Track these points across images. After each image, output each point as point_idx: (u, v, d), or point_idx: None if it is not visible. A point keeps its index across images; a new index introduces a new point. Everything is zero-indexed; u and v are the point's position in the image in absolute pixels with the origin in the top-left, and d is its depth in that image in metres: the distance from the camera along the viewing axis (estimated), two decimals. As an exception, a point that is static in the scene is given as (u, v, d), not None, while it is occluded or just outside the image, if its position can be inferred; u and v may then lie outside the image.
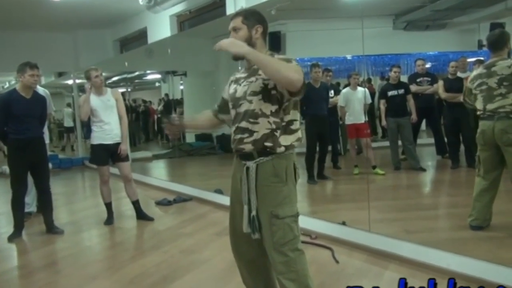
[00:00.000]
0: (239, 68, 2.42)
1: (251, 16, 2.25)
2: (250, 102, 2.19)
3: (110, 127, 4.65)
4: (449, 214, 4.53)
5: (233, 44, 2.06)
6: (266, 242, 2.24)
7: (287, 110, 2.21)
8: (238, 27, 2.22)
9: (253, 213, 2.23)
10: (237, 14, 2.26)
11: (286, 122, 2.20)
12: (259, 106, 2.17)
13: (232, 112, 2.29)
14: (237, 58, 2.14)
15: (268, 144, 2.18)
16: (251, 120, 2.19)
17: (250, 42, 2.20)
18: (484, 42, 7.57)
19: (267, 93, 2.16)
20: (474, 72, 3.71)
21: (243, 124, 2.22)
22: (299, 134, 2.26)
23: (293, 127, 2.23)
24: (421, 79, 6.61)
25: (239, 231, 2.33)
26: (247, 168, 2.23)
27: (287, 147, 2.20)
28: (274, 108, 2.18)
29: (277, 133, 2.18)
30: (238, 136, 2.24)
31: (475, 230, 3.57)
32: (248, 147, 2.22)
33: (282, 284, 2.23)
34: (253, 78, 2.19)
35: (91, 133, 4.68)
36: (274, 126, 2.18)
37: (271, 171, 2.19)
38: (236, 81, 2.32)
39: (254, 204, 2.23)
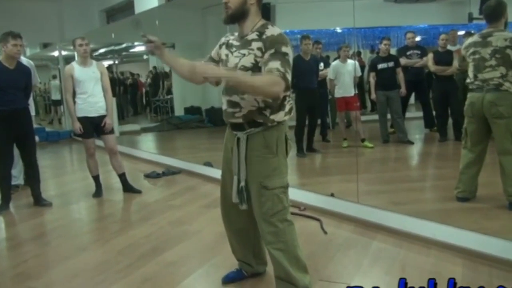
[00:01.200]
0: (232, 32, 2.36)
1: None
2: None
3: (94, 99, 4.58)
4: (436, 186, 4.58)
5: (209, 68, 1.99)
6: (255, 212, 2.26)
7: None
8: None
9: (242, 183, 2.24)
10: None
11: (281, 99, 2.16)
12: None
13: (223, 82, 2.23)
14: (228, 22, 2.18)
15: (258, 120, 2.17)
16: (240, 95, 2.17)
17: (244, 7, 2.15)
18: (475, 15, 7.60)
19: (257, 70, 2.11)
20: (469, 40, 3.65)
21: (234, 97, 2.19)
22: (289, 106, 2.25)
23: (284, 102, 2.21)
24: (410, 52, 6.59)
25: (230, 200, 2.35)
26: (238, 139, 2.22)
27: (279, 122, 2.20)
28: None
29: (266, 112, 2.16)
30: (230, 109, 2.23)
31: (462, 202, 3.62)
32: (239, 120, 2.20)
33: (271, 254, 2.26)
34: (245, 51, 2.14)
35: (75, 105, 4.60)
36: (262, 105, 2.15)
37: (262, 142, 2.19)
38: (228, 47, 2.27)
39: (243, 175, 2.23)
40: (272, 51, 2.05)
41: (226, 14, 2.17)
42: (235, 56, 2.18)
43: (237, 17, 2.17)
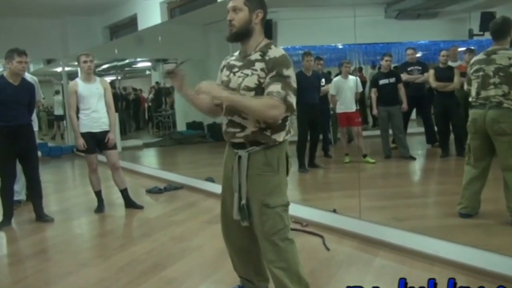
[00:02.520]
0: (232, 53, 2.38)
1: None
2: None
3: (97, 115, 4.61)
4: (438, 202, 4.57)
5: (213, 88, 2.05)
6: (256, 230, 2.25)
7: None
8: (239, 8, 2.13)
9: (243, 201, 2.22)
10: None
11: (281, 120, 2.16)
12: None
13: (224, 102, 2.23)
14: (231, 40, 2.17)
15: (260, 140, 2.18)
16: (243, 115, 2.15)
17: (248, 27, 2.15)
18: (475, 32, 7.64)
19: (260, 90, 2.11)
20: (475, 58, 3.68)
21: (236, 118, 2.18)
22: (288, 125, 2.26)
23: (286, 122, 2.22)
24: (411, 68, 6.62)
25: (230, 218, 2.33)
26: (239, 157, 2.21)
27: (281, 142, 2.20)
28: None
29: (267, 132, 2.16)
30: (231, 129, 2.22)
31: (464, 218, 3.61)
32: (240, 141, 2.21)
33: (272, 272, 2.24)
34: (248, 71, 2.13)
35: (78, 121, 4.62)
36: (263, 125, 2.15)
37: (263, 160, 2.18)
38: (230, 68, 2.26)
39: (244, 193, 2.22)
40: (274, 73, 2.07)
41: (230, 32, 2.17)
42: (238, 76, 2.17)
43: (241, 36, 2.17)
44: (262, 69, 2.11)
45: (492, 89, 3.42)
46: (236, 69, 2.21)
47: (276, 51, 2.13)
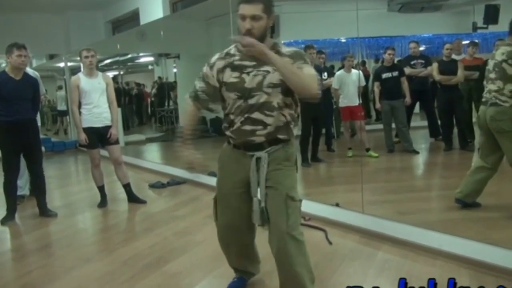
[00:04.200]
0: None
1: (270, 5, 2.12)
2: (268, 94, 2.13)
3: (100, 110, 4.61)
4: (442, 195, 4.56)
5: (263, 48, 1.97)
6: (277, 227, 2.16)
7: (298, 102, 2.24)
8: (260, 16, 2.06)
9: (263, 204, 2.19)
10: (257, 0, 2.06)
11: (298, 114, 2.24)
12: (276, 99, 2.14)
13: (236, 102, 2.17)
14: (250, 52, 2.05)
15: (281, 136, 2.19)
16: (267, 112, 2.14)
17: (266, 32, 2.12)
18: (479, 25, 7.59)
19: (286, 86, 2.09)
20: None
21: (256, 115, 2.15)
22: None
23: (298, 117, 2.28)
24: (415, 61, 6.58)
25: (236, 222, 2.35)
26: (258, 159, 2.19)
27: (294, 136, 2.26)
28: (289, 100, 2.18)
29: (292, 125, 2.21)
30: (249, 127, 2.17)
31: (458, 204, 3.63)
32: (259, 139, 2.18)
33: (294, 270, 2.16)
34: (268, 68, 2.10)
35: (81, 116, 4.62)
36: (289, 118, 2.19)
37: (284, 155, 2.21)
38: (239, 68, 2.17)
39: (264, 195, 2.19)
40: (300, 62, 2.09)
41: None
42: (254, 75, 2.12)
43: (259, 41, 2.08)
44: None
45: (490, 84, 3.45)
46: (249, 69, 2.14)
47: (288, 48, 2.18)
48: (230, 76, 2.17)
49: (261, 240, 2.57)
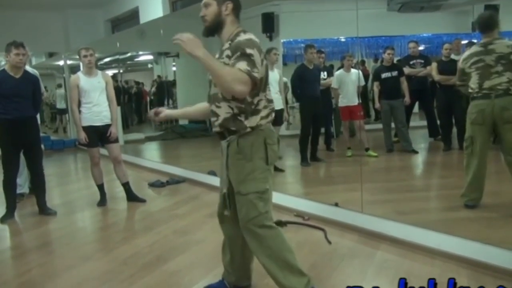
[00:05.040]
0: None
1: None
2: (215, 85, 2.22)
3: (99, 108, 4.61)
4: (440, 195, 4.57)
5: (191, 43, 1.95)
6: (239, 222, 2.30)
7: (254, 93, 2.17)
8: (208, 3, 2.23)
9: (224, 190, 2.32)
10: None
11: (254, 104, 2.20)
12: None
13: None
14: (206, 35, 2.26)
15: (231, 128, 2.22)
16: (217, 103, 2.25)
17: (219, 18, 2.22)
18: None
19: None
20: (467, 52, 3.74)
21: (213, 107, 2.28)
22: (267, 111, 2.25)
23: (259, 107, 2.22)
24: (414, 61, 6.59)
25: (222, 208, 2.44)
26: (222, 148, 2.32)
27: (253, 127, 2.20)
28: None
29: (241, 117, 2.19)
30: (213, 119, 2.31)
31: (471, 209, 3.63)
32: (217, 129, 2.30)
33: (261, 262, 2.28)
34: (220, 60, 2.19)
35: (80, 114, 4.62)
36: (236, 111, 2.18)
37: (235, 148, 2.23)
38: None
39: (226, 182, 2.31)
40: (238, 54, 2.07)
41: (207, 25, 2.25)
42: None
43: (213, 29, 2.25)
44: (227, 56, 2.15)
45: (496, 77, 3.46)
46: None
47: (243, 36, 2.15)
48: None
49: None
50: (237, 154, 2.23)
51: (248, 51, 2.06)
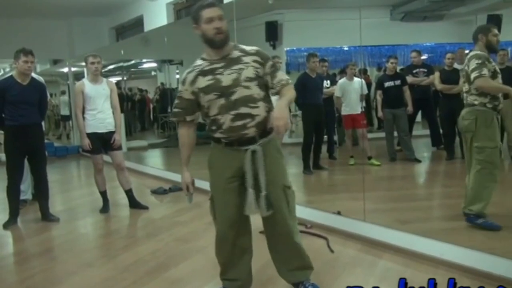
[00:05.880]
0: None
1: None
2: (247, 88, 2.30)
3: (103, 115, 4.64)
4: (443, 204, 4.55)
5: (283, 116, 2.18)
6: (280, 214, 2.40)
7: (270, 97, 2.41)
8: (223, 16, 2.31)
9: (264, 192, 2.34)
10: (216, 4, 2.32)
11: (270, 107, 2.39)
12: (256, 91, 2.32)
13: (217, 102, 2.32)
14: (224, 46, 2.33)
15: (268, 127, 2.35)
16: (251, 104, 2.31)
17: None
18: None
19: (259, 79, 2.33)
20: None
21: (243, 109, 2.30)
22: None
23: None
24: (417, 70, 6.60)
25: (236, 217, 2.44)
26: (253, 152, 2.32)
27: None
28: (264, 94, 2.36)
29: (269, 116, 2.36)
30: (240, 122, 2.31)
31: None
32: (252, 131, 2.32)
33: (295, 243, 2.51)
34: (240, 66, 2.31)
35: (84, 121, 4.64)
36: (267, 109, 2.36)
37: (275, 147, 2.40)
38: (210, 72, 2.33)
39: (264, 184, 2.33)
40: (270, 63, 2.37)
41: (221, 38, 2.29)
42: (228, 74, 2.31)
43: (227, 41, 2.34)
44: (255, 61, 2.34)
45: (463, 86, 3.62)
46: (220, 70, 2.32)
47: (250, 47, 2.41)
48: (204, 81, 2.34)
49: (261, 248, 2.58)
50: (277, 153, 2.43)
51: (274, 61, 2.45)
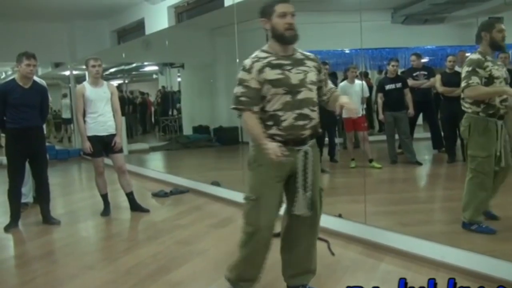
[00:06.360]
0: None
1: None
2: (311, 90, 2.39)
3: (104, 118, 4.64)
4: (444, 207, 4.55)
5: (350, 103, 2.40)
6: (314, 215, 2.48)
7: None
8: (295, 15, 2.33)
9: (310, 192, 2.40)
10: (289, 0, 2.34)
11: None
12: (315, 95, 2.43)
13: (283, 98, 2.34)
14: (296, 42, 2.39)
15: (318, 130, 2.45)
16: (311, 107, 2.39)
17: None
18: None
19: (318, 84, 2.46)
20: None
21: (305, 111, 2.37)
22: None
23: None
24: (417, 73, 6.61)
25: (275, 220, 2.46)
26: (306, 153, 2.38)
27: None
28: (317, 99, 2.47)
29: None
30: (301, 122, 2.36)
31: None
32: (307, 133, 2.39)
33: (315, 245, 2.62)
34: (304, 68, 2.38)
35: (85, 124, 4.65)
36: (319, 115, 2.47)
37: (316, 151, 2.47)
38: (278, 66, 2.34)
39: (310, 185, 2.39)
40: (324, 71, 2.54)
41: (294, 34, 2.32)
42: (295, 73, 2.35)
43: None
44: (315, 67, 2.44)
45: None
46: (288, 67, 2.35)
47: (306, 52, 2.49)
48: (272, 74, 2.33)
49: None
50: (318, 157, 2.49)
51: (326, 68, 2.51)
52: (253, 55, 2.39)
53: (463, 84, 3.37)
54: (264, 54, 2.37)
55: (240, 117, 2.41)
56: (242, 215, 2.52)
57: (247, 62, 2.37)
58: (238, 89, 2.36)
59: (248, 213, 2.43)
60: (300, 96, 2.33)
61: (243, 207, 2.50)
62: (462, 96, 3.49)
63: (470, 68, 3.33)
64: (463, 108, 3.50)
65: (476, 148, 3.39)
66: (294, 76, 2.33)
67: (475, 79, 3.30)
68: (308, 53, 2.47)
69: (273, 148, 2.23)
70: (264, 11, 2.34)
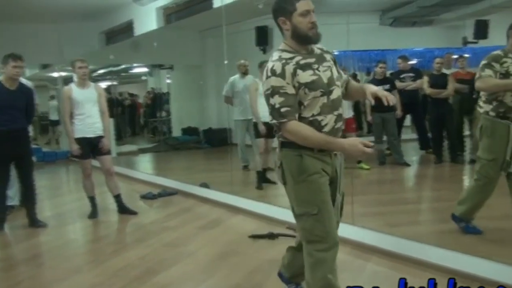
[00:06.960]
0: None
1: None
2: (339, 87, 2.18)
3: (92, 120, 4.61)
4: (432, 208, 4.59)
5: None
6: (339, 220, 2.41)
7: None
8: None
9: (341, 198, 2.36)
10: None
11: None
12: (341, 91, 2.21)
13: (320, 101, 2.08)
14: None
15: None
16: (341, 106, 2.18)
17: None
18: (469, 39, 7.70)
19: (340, 78, 2.24)
20: None
21: (340, 110, 2.16)
22: None
23: None
24: (404, 75, 6.66)
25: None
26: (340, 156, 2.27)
27: None
28: None
29: None
30: (339, 124, 2.16)
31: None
32: (341, 134, 2.21)
33: None
34: (328, 64, 2.17)
35: (73, 126, 4.62)
36: None
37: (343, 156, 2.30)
38: (306, 67, 2.08)
39: (342, 190, 2.35)
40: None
41: (317, 32, 2.12)
42: (324, 71, 2.11)
43: None
44: (332, 59, 2.21)
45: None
46: (315, 65, 2.10)
47: (319, 45, 2.24)
48: (306, 76, 2.06)
49: (249, 254, 2.58)
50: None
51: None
52: (276, 57, 2.09)
53: (476, 76, 3.29)
54: (288, 55, 2.09)
55: (278, 131, 2.14)
56: (301, 236, 2.32)
57: (277, 66, 2.05)
58: (275, 100, 2.04)
59: (313, 230, 2.18)
60: (333, 96, 2.10)
61: (299, 226, 2.26)
62: (480, 94, 3.36)
63: (486, 62, 3.23)
64: (477, 108, 3.37)
65: (483, 150, 3.30)
66: (323, 75, 2.09)
67: (488, 72, 3.18)
68: (321, 46, 2.21)
69: (355, 143, 2.04)
70: (283, 9, 2.09)
